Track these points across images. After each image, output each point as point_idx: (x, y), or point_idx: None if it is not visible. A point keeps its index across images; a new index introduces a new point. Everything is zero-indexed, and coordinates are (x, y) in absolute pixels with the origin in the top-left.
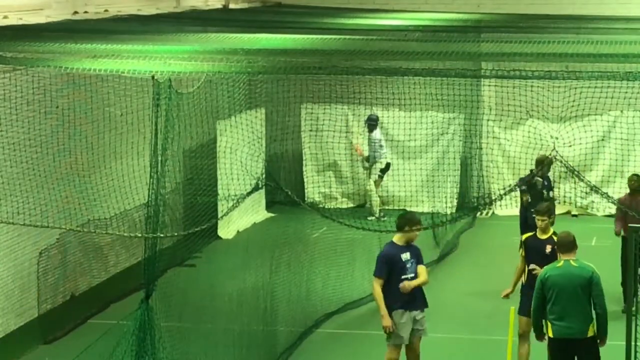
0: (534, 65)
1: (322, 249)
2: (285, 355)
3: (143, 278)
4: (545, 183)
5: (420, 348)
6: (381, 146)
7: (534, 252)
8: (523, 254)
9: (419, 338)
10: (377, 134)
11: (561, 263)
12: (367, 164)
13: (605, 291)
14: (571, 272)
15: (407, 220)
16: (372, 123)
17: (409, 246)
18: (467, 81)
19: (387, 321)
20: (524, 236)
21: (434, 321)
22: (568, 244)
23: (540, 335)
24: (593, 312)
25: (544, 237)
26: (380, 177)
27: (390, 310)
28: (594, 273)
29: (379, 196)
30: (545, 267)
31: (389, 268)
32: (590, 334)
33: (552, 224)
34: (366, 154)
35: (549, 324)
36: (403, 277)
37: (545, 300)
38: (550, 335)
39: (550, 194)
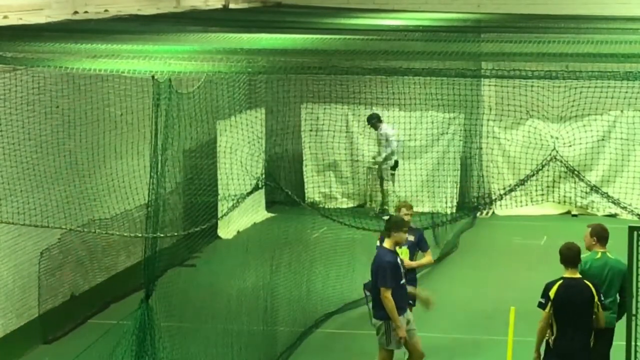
0: (534, 65)
1: (322, 249)
2: (285, 355)
3: (143, 278)
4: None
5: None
6: (388, 141)
7: None
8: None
9: (417, 337)
10: (385, 128)
11: (599, 255)
12: (380, 161)
13: None
14: (610, 263)
15: (393, 224)
16: (373, 121)
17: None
18: (467, 81)
19: (403, 332)
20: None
21: (434, 321)
22: (607, 237)
23: None
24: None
25: None
26: (392, 175)
27: None
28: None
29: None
30: (585, 256)
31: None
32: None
33: None
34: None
35: None
36: (401, 282)
37: None
38: None
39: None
